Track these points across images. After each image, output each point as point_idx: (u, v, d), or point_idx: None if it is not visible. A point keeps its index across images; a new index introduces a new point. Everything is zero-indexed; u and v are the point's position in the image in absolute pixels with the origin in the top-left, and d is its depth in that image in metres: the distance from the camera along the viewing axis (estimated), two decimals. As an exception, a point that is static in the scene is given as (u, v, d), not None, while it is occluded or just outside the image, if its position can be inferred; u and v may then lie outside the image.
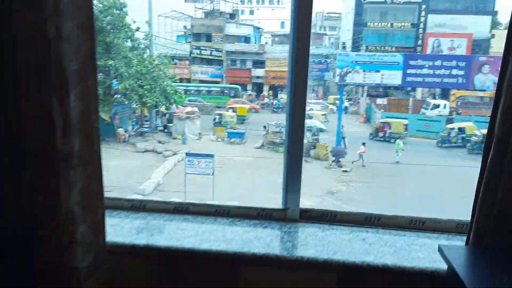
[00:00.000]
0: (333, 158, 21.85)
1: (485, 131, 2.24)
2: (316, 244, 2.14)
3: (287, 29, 69.20)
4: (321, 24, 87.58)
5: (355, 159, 22.36)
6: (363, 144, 22.65)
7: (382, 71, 21.40)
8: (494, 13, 50.96)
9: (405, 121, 30.36)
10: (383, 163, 23.31)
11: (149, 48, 27.11)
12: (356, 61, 21.54)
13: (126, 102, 26.59)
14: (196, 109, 29.74)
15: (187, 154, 16.34)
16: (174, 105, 27.31)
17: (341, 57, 22.33)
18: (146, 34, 26.66)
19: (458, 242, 2.23)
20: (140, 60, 24.83)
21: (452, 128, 27.77)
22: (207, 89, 44.15)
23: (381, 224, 2.41)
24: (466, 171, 22.57)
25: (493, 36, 51.23)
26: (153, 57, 26.39)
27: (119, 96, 26.49)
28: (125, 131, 26.34)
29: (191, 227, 2.28)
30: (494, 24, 55.84)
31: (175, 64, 48.38)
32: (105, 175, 1.72)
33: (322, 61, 51.04)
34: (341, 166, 21.30)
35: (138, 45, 26.39)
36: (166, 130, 28.40)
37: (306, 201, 16.01)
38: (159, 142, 25.50)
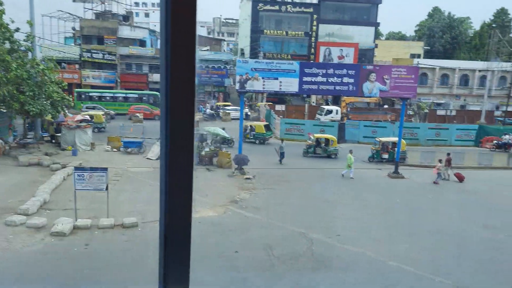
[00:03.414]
0: (236, 166, 21.69)
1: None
2: None
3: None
4: (219, 29, 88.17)
5: (433, 179, 22.03)
6: (440, 161, 22.73)
7: (280, 79, 21.75)
8: (377, 24, 55.59)
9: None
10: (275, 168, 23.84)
11: (31, 51, 24.51)
12: (255, 68, 21.60)
13: (5, 111, 23.74)
14: (87, 117, 27.65)
15: (76, 168, 14.83)
16: (62, 113, 25.02)
17: (240, 64, 22.22)
18: (28, 35, 24.05)
19: None
20: (21, 64, 22.30)
21: (247, 126, 30.92)
22: (123, 95, 42.87)
23: None
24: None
25: (376, 46, 55.83)
26: (37, 60, 23.88)
27: (-4, 104, 23.62)
28: (5, 143, 23.53)
29: None
30: (377, 35, 61.03)
31: (63, 68, 44.90)
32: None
33: (222, 67, 51.16)
34: (244, 174, 21.20)
35: (18, 47, 23.71)
36: (53, 141, 26.02)
37: (210, 212, 15.55)
38: (46, 154, 23.14)
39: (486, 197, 20.50)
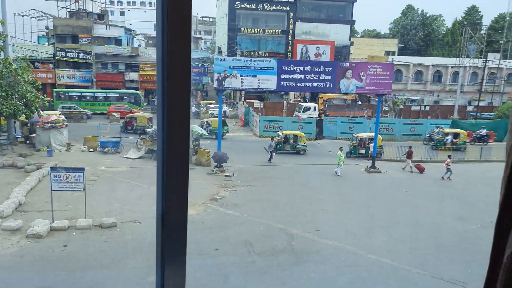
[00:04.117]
0: (215, 164, 21.66)
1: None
2: None
3: (161, 32, 69.84)
4: (196, 28, 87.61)
5: (443, 174, 22.23)
6: (449, 156, 22.84)
7: (259, 76, 21.82)
8: (352, 23, 56.26)
9: (149, 115, 33.15)
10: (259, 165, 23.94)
11: (4, 50, 23.93)
12: (233, 66, 21.61)
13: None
14: (63, 117, 27.14)
15: (52, 169, 14.57)
16: (36, 114, 24.50)
17: (218, 62, 22.17)
18: (0, 35, 23.49)
19: None
20: (-8, 63, 21.77)
21: (204, 122, 32.39)
22: (104, 95, 42.20)
23: None
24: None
25: (352, 43, 56.51)
26: (9, 60, 23.33)
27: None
28: (-23, 145, 22.94)
29: None
30: (352, 33, 61.83)
31: (37, 67, 43.92)
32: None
33: (199, 65, 50.93)
34: (223, 171, 21.19)
35: (-10, 46, 23.15)
36: (28, 142, 25.47)
37: (190, 211, 15.50)
38: (20, 155, 22.66)
39: (460, 190, 21.06)
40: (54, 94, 40.64)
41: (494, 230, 1.29)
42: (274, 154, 24.91)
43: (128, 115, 33.53)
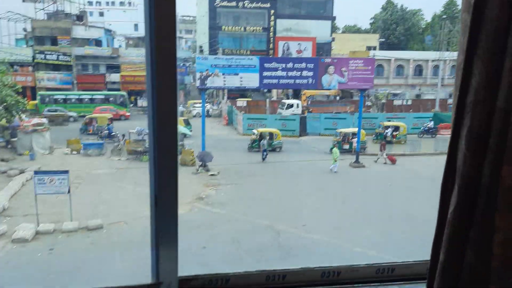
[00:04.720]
0: (200, 163, 21.68)
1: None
2: None
3: (142, 31, 67.42)
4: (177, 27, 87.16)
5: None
6: None
7: (241, 74, 21.88)
8: (333, 18, 56.60)
9: (109, 115, 33.07)
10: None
11: (-19, 54, 23.56)
12: (215, 65, 21.63)
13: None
14: (44, 120, 26.80)
15: (36, 172, 14.46)
16: (17, 117, 24.18)
17: (200, 61, 22.21)
18: (-24, 38, 23.16)
19: None
20: (-30, 68, 21.41)
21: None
22: (89, 97, 41.46)
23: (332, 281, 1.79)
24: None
25: (333, 39, 56.86)
26: (-13, 63, 23.01)
27: None
28: (-44, 151, 22.54)
29: None
30: (333, 29, 62.19)
31: (16, 71, 43.18)
32: None
33: (181, 64, 50.73)
34: (208, 170, 21.23)
35: (-34, 50, 22.77)
36: (9, 146, 25.10)
37: (176, 210, 15.52)
38: (2, 160, 22.38)
39: (439, 181, 21.46)
40: (39, 97, 40.04)
41: (440, 191, 1.47)
42: (266, 153, 24.67)
43: (88, 116, 33.13)
